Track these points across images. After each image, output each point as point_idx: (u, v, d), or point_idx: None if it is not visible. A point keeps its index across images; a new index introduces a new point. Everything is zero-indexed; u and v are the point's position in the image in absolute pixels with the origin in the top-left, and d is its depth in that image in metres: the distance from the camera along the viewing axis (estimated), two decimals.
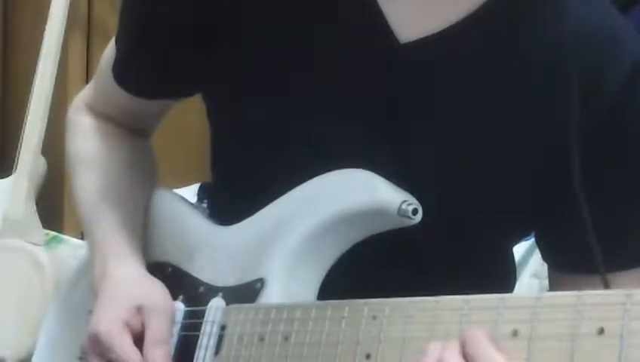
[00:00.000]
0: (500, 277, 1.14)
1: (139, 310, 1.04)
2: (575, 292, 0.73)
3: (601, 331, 0.69)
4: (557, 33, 0.97)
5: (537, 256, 1.68)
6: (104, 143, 1.20)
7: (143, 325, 1.04)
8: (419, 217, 0.96)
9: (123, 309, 1.04)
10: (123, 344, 1.02)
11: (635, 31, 1.02)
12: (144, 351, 1.01)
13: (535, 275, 1.83)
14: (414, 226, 0.96)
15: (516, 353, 0.74)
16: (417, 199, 0.96)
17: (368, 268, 1.01)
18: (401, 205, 0.96)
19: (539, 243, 1.10)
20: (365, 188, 0.98)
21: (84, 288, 1.18)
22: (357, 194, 0.98)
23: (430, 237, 1.00)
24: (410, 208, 0.95)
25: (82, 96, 1.25)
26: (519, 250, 1.71)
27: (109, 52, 1.17)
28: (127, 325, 1.03)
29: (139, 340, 1.03)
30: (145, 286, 1.08)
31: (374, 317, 0.88)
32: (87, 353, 1.06)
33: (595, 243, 0.93)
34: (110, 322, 1.03)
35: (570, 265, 1.03)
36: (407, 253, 1.01)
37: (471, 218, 1.01)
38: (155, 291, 1.07)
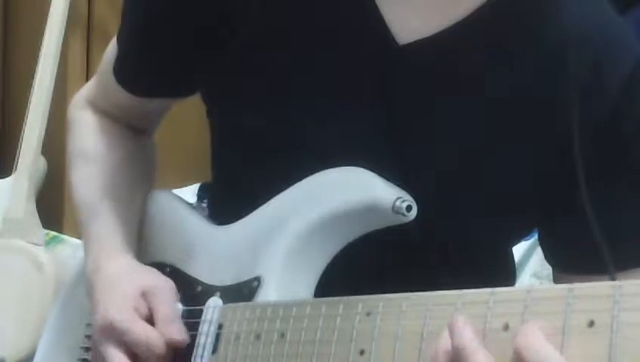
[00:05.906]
0: (499, 277, 1.14)
1: (143, 295, 1.04)
2: (565, 285, 0.73)
3: (592, 323, 0.69)
4: (556, 34, 0.98)
5: (537, 256, 1.69)
6: (103, 140, 1.20)
7: (149, 309, 1.04)
8: (413, 214, 0.95)
9: (129, 296, 1.04)
10: (140, 326, 1.02)
11: (635, 31, 1.02)
12: (160, 330, 1.02)
13: (535, 275, 1.83)
14: (413, 227, 0.96)
15: (508, 347, 0.74)
16: (416, 199, 0.96)
17: (367, 269, 1.01)
18: (395, 202, 0.95)
19: (542, 244, 1.09)
20: (359, 186, 0.98)
21: (85, 288, 1.18)
22: (351, 192, 0.98)
23: (429, 238, 1.00)
24: (404, 205, 0.95)
25: (83, 93, 1.26)
26: (519, 250, 1.71)
27: (110, 50, 1.18)
28: (136, 310, 1.03)
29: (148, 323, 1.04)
30: (142, 273, 1.09)
31: (368, 314, 0.87)
32: (98, 342, 1.05)
33: (604, 243, 0.92)
34: (121, 309, 1.03)
35: (576, 265, 1.02)
36: (405, 253, 1.01)
37: (470, 218, 1.01)
38: (153, 276, 1.08)
